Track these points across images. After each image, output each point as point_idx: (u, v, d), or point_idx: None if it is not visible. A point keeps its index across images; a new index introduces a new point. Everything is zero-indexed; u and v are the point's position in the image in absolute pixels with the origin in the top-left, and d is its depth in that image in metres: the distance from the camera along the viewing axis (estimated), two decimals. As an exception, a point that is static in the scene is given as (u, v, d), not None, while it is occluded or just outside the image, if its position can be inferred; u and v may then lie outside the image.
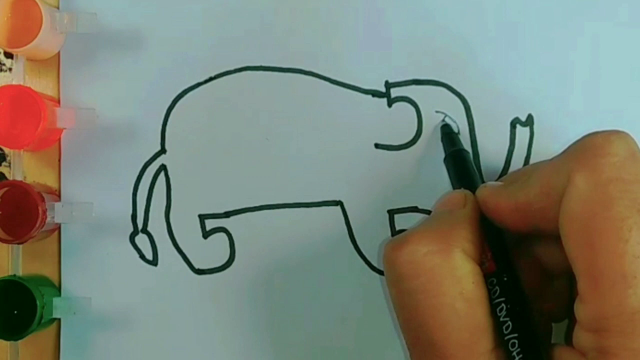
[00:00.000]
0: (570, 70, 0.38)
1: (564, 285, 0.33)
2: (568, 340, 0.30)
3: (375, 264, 0.38)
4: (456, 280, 0.30)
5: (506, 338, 0.30)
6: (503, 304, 0.31)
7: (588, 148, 0.29)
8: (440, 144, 0.38)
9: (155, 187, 0.39)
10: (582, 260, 0.28)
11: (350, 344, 0.38)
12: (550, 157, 0.31)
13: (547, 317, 0.34)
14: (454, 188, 0.36)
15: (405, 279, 0.31)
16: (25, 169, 0.39)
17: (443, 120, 0.38)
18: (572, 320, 0.30)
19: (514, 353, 0.30)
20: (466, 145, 0.38)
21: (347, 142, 0.38)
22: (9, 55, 0.39)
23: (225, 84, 0.39)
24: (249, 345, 0.38)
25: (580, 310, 0.28)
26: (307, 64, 0.39)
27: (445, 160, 0.37)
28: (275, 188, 0.38)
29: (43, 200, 0.36)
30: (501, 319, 0.31)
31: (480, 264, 0.32)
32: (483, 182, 0.36)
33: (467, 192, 0.34)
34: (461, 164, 0.36)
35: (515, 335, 0.30)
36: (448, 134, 0.38)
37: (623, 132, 0.29)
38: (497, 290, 0.31)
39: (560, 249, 0.29)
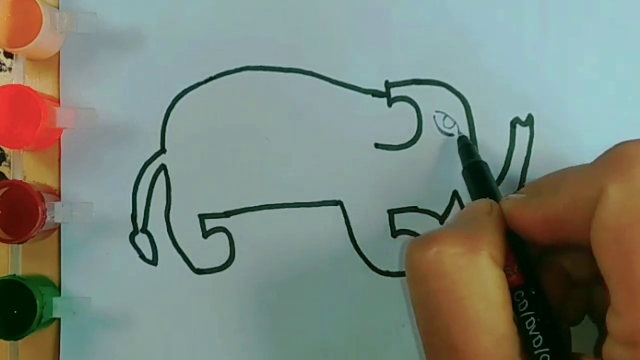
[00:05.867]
0: (571, 70, 0.38)
1: (582, 291, 0.32)
2: (597, 353, 0.30)
3: (375, 264, 0.38)
4: (482, 284, 0.29)
5: (536, 353, 0.30)
6: (532, 318, 0.30)
7: (620, 158, 0.28)
8: (441, 144, 0.38)
9: (155, 187, 0.39)
10: (618, 273, 0.27)
11: (350, 344, 0.38)
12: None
13: (565, 322, 0.33)
14: (473, 200, 0.36)
15: (430, 279, 0.30)
16: (25, 169, 0.39)
17: (459, 133, 0.38)
18: (603, 333, 0.29)
19: None
20: (466, 145, 0.38)
21: (347, 142, 0.38)
22: (9, 55, 0.39)
23: (225, 84, 0.39)
24: (249, 345, 0.38)
25: (614, 322, 0.28)
26: (307, 64, 0.39)
27: (463, 172, 0.37)
28: (275, 188, 0.38)
29: (43, 200, 0.36)
30: (531, 333, 0.30)
31: (506, 275, 0.31)
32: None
33: (493, 201, 0.33)
34: (481, 176, 0.36)
35: (547, 350, 0.30)
36: (466, 146, 0.37)
37: None
38: (525, 303, 0.31)
39: (588, 260, 0.29)
